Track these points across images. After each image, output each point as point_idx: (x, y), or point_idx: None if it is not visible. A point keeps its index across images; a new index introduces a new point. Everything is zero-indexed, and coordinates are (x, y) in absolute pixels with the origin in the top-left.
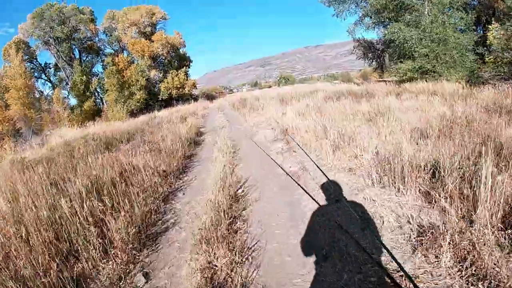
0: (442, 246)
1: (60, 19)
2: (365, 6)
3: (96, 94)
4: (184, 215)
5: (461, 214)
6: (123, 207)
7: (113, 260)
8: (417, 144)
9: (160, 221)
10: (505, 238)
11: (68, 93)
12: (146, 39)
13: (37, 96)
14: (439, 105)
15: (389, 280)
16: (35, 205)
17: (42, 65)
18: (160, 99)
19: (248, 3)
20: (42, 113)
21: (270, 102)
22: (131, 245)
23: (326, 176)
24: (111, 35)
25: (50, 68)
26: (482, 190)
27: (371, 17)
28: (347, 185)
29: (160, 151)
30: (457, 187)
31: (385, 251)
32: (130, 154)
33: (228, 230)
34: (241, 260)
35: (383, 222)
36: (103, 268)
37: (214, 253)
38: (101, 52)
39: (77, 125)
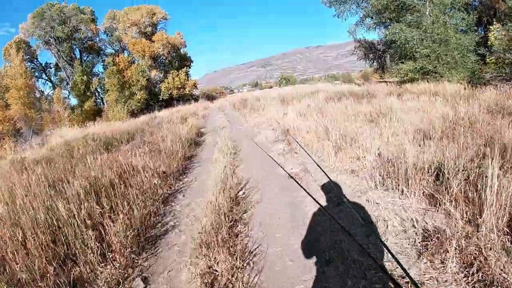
0: (448, 251)
1: (61, 19)
2: (366, 7)
3: (97, 94)
4: (184, 218)
5: (466, 217)
6: (122, 210)
7: (111, 264)
8: (420, 146)
9: (160, 224)
10: (511, 243)
11: (69, 93)
12: (146, 39)
13: (38, 96)
14: (441, 106)
15: (394, 287)
16: (32, 207)
17: (43, 65)
18: (161, 99)
19: (249, 3)
20: (43, 113)
21: (271, 102)
22: (129, 249)
23: (329, 178)
24: (111, 35)
25: (51, 68)
26: (488, 193)
27: (372, 18)
28: (349, 187)
29: (160, 151)
30: (462, 190)
31: (390, 256)
32: (129, 155)
33: (229, 234)
34: (242, 265)
35: (387, 225)
36: (101, 272)
37: (215, 258)
38: (101, 52)
39: (77, 125)
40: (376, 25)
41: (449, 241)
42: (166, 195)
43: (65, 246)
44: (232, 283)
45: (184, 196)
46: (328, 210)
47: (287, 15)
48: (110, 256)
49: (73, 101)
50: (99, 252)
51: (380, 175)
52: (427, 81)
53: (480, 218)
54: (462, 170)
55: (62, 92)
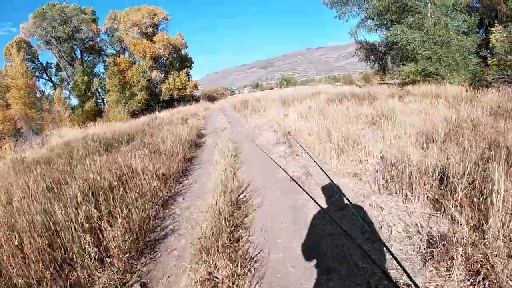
0: (454, 259)
1: (62, 19)
2: (367, 8)
3: (98, 94)
4: (183, 221)
5: (472, 223)
6: (120, 214)
7: (109, 269)
8: (422, 148)
9: (159, 228)
10: None
11: (69, 93)
12: (147, 40)
13: (38, 96)
14: (443, 109)
15: None
16: (29, 209)
17: (44, 64)
18: (162, 100)
19: (249, 3)
20: (43, 113)
21: (272, 104)
22: (128, 254)
23: (332, 182)
24: (112, 36)
25: (52, 68)
26: (494, 198)
27: (373, 19)
28: (352, 191)
29: (160, 153)
30: (468, 195)
31: (395, 262)
32: (129, 156)
33: (230, 239)
34: (243, 271)
35: (391, 231)
36: (99, 278)
37: (215, 264)
38: (102, 52)
39: (78, 126)
40: (377, 27)
41: (455, 248)
42: (166, 198)
43: (62, 250)
44: None
45: (184, 199)
46: (331, 214)
47: (288, 16)
48: (108, 261)
49: (74, 101)
50: (97, 257)
51: (383, 179)
52: (429, 83)
53: (486, 224)
54: (467, 174)
55: (62, 92)
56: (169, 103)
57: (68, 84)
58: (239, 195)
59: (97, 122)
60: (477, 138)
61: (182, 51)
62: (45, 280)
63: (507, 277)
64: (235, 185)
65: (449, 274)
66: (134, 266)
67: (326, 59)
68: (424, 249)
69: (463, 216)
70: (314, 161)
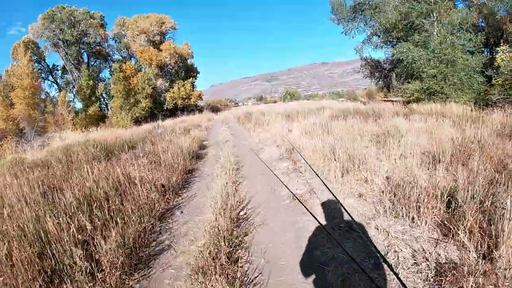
0: None
1: (71, 22)
2: (374, 25)
3: (102, 99)
4: (180, 237)
5: (481, 250)
6: (115, 226)
7: (101, 285)
8: (428, 169)
9: (155, 242)
10: None
11: (74, 96)
12: (154, 48)
13: (43, 97)
14: (448, 128)
15: None
16: (21, 215)
17: (50, 66)
18: (165, 108)
19: (256, 18)
20: (47, 114)
21: (276, 118)
22: (121, 269)
23: (337, 202)
24: (120, 42)
25: (58, 70)
26: (505, 225)
27: (379, 36)
28: (357, 213)
29: (160, 163)
30: (477, 220)
31: None
32: (129, 164)
33: (228, 259)
34: None
35: (398, 257)
36: None
37: (212, 286)
38: (109, 57)
39: (80, 129)
40: (383, 44)
41: (465, 278)
42: (163, 211)
43: (52, 261)
44: None
45: (182, 212)
46: (335, 236)
47: (294, 30)
48: (99, 276)
49: (78, 105)
50: (88, 271)
51: (390, 201)
52: (433, 102)
53: (496, 251)
54: (475, 198)
55: (67, 95)
56: (173, 112)
57: (73, 87)
58: (239, 212)
59: (100, 127)
60: (484, 160)
61: (188, 61)
62: None
63: None
64: (236, 201)
65: None
66: (127, 282)
67: (330, 74)
68: (432, 277)
69: (471, 243)
70: (321, 180)
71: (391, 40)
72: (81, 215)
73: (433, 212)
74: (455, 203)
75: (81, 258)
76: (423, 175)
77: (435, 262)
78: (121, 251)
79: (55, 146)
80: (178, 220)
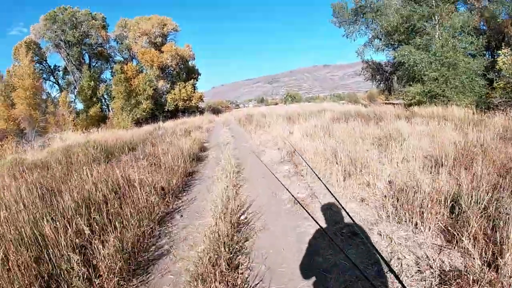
0: None
1: (72, 23)
2: (375, 28)
3: (103, 100)
4: (180, 242)
5: (485, 257)
6: (113, 231)
7: None
8: (431, 173)
9: (154, 246)
10: None
11: (75, 97)
12: (156, 50)
13: (44, 97)
14: (451, 131)
15: None
16: (18, 218)
17: (52, 67)
18: (166, 110)
19: (258, 19)
20: (48, 115)
21: (277, 120)
22: (118, 275)
23: (340, 206)
24: (121, 43)
25: (59, 71)
26: (510, 232)
27: (381, 39)
28: (360, 218)
29: (160, 165)
30: (482, 227)
31: None
32: (129, 166)
33: (228, 265)
34: None
35: (401, 264)
36: None
37: None
38: (110, 59)
39: (81, 130)
40: (384, 47)
41: (470, 287)
42: (163, 214)
43: (50, 266)
44: None
45: (182, 216)
46: (337, 242)
47: (297, 32)
48: (97, 282)
49: (79, 105)
50: (85, 276)
51: (392, 206)
52: (435, 105)
53: (501, 258)
54: (479, 203)
55: (68, 96)
56: (174, 114)
57: (75, 88)
58: (240, 216)
59: (101, 128)
60: (487, 164)
61: (190, 63)
62: None
63: None
64: (236, 205)
65: None
66: None
67: (331, 77)
68: (436, 285)
69: (476, 250)
70: (324, 185)
71: (392, 43)
72: (79, 218)
73: (436, 217)
74: (459, 208)
75: (79, 263)
76: (426, 179)
77: (439, 270)
78: (119, 256)
79: (55, 146)
80: (177, 224)
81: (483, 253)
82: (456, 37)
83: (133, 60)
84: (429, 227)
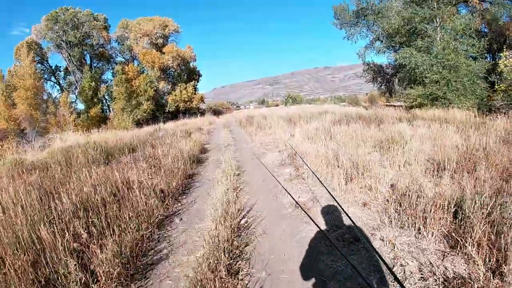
0: None
1: (74, 24)
2: (376, 30)
3: (104, 101)
4: (179, 246)
5: (489, 264)
6: (112, 235)
7: None
8: (433, 176)
9: (153, 251)
10: None
11: (76, 97)
12: (157, 51)
13: (45, 98)
14: (452, 134)
15: None
16: (16, 221)
17: (53, 67)
18: (167, 111)
19: (260, 20)
20: (48, 115)
21: (278, 122)
22: (116, 280)
23: (342, 211)
24: (123, 44)
25: (60, 71)
26: None
27: (382, 41)
28: (362, 222)
29: (160, 168)
30: (486, 233)
31: None
32: (128, 168)
33: (228, 271)
34: None
35: (404, 271)
36: None
37: None
38: (112, 60)
39: (82, 131)
40: (386, 49)
41: None
42: (162, 218)
43: (47, 270)
44: None
45: (181, 220)
46: (340, 248)
47: (298, 34)
48: (94, 287)
49: (80, 106)
50: (82, 281)
51: (395, 211)
52: (436, 107)
53: (506, 265)
54: (483, 208)
55: (69, 96)
56: (175, 115)
57: (76, 88)
58: (240, 220)
59: (102, 128)
60: (490, 168)
61: (191, 64)
62: None
63: None
64: (237, 208)
65: None
66: None
67: (332, 78)
68: None
69: (480, 256)
70: (326, 189)
71: (393, 45)
72: (77, 222)
73: (439, 223)
74: (462, 213)
75: (76, 268)
76: (428, 183)
77: (442, 277)
78: (117, 261)
79: (55, 147)
80: (177, 228)
81: (487, 260)
82: (458, 39)
83: (134, 61)
84: (432, 232)
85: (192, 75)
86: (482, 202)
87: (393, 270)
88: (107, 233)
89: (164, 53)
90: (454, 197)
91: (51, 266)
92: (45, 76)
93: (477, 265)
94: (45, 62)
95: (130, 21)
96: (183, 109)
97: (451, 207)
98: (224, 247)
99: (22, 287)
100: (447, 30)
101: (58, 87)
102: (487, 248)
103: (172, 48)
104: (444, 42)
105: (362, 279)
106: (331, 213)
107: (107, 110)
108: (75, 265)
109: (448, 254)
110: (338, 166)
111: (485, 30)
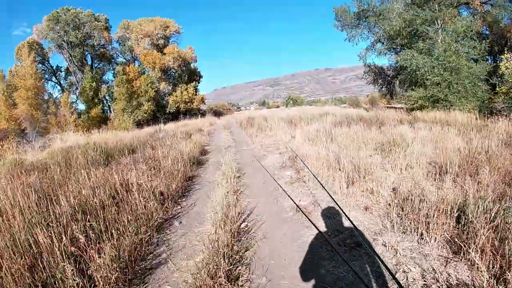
0: None
1: (75, 24)
2: (377, 32)
3: (105, 101)
4: (178, 250)
5: (493, 271)
6: (110, 239)
7: None
8: (435, 180)
9: (152, 255)
10: None
11: (77, 98)
12: (158, 51)
13: (46, 98)
14: (454, 137)
15: None
16: (13, 225)
17: (54, 67)
18: (168, 112)
19: (260, 20)
20: (49, 115)
21: (279, 123)
22: (114, 286)
23: (344, 215)
24: (124, 45)
25: (61, 72)
26: None
27: (383, 43)
28: (363, 227)
29: (160, 170)
30: (490, 238)
31: None
32: (128, 170)
33: (228, 277)
34: None
35: (407, 277)
36: None
37: None
38: (113, 60)
39: (82, 131)
40: (387, 51)
41: None
42: (161, 221)
43: (44, 275)
44: None
45: (181, 223)
46: (341, 253)
47: (299, 35)
48: None
49: (81, 106)
50: (80, 286)
51: (398, 216)
52: (437, 109)
53: (509, 272)
54: (486, 213)
55: (70, 97)
56: (175, 116)
57: (77, 89)
58: (240, 224)
59: (102, 129)
60: (492, 172)
61: (192, 65)
62: None
63: None
64: (237, 212)
65: None
66: None
67: (333, 80)
68: None
69: (484, 263)
70: (327, 192)
71: (395, 47)
72: (75, 226)
73: (442, 228)
74: (465, 218)
75: (73, 272)
76: (430, 187)
77: (445, 284)
78: (115, 265)
79: (55, 147)
80: (176, 231)
81: (491, 266)
82: (459, 41)
83: (135, 61)
84: (435, 237)
85: (193, 76)
86: (485, 207)
87: (396, 276)
88: (105, 237)
89: (165, 54)
90: (457, 202)
91: (48, 270)
92: (46, 76)
93: (481, 271)
94: (46, 62)
95: (131, 22)
96: (184, 110)
97: (454, 211)
98: (224, 252)
99: None
100: (448, 32)
101: (59, 87)
102: (491, 254)
103: (173, 49)
104: (446, 44)
105: (365, 286)
106: (332, 217)
107: (108, 111)
108: (72, 270)
109: (451, 260)
110: (340, 169)
111: (486, 32)
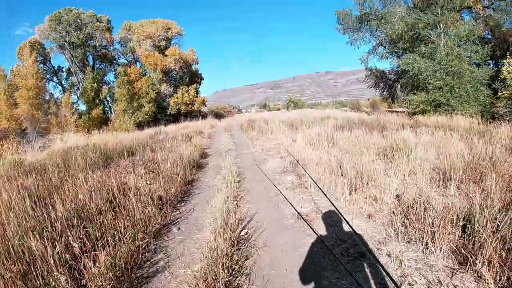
0: None
1: (77, 25)
2: (379, 36)
3: (105, 102)
4: (176, 258)
5: (501, 283)
6: (106, 246)
7: None
8: (439, 186)
9: (149, 262)
10: None
11: (78, 98)
12: (159, 53)
13: (47, 98)
14: (457, 142)
15: None
16: (6, 230)
17: (55, 68)
18: (168, 113)
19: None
20: (50, 115)
21: (280, 126)
22: None
23: (347, 224)
24: (125, 46)
25: (63, 72)
26: None
27: (385, 47)
28: (367, 236)
29: (159, 173)
30: (497, 249)
31: None
32: (126, 173)
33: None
34: None
35: None
36: None
37: None
38: (114, 61)
39: (83, 132)
40: (389, 54)
41: None
42: (159, 227)
43: (38, 283)
44: None
45: (179, 229)
46: (344, 263)
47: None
48: None
49: (82, 107)
50: None
51: (402, 225)
52: (439, 114)
53: None
54: (492, 222)
55: (71, 97)
56: (176, 117)
57: (78, 89)
58: (240, 232)
59: (103, 130)
60: (497, 179)
61: (193, 67)
62: None
63: None
64: (237, 218)
65: None
66: None
67: (334, 83)
68: None
69: (490, 274)
70: (329, 200)
71: (396, 50)
72: (69, 233)
73: (448, 238)
74: (471, 227)
75: (67, 282)
76: (435, 194)
77: None
78: (111, 274)
79: (55, 148)
80: (174, 238)
81: (498, 278)
82: (461, 45)
83: (137, 63)
84: (441, 248)
85: (194, 78)
86: (491, 216)
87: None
88: (100, 244)
89: (166, 55)
90: (463, 211)
91: (41, 279)
92: (47, 76)
93: (488, 283)
94: (48, 62)
95: (133, 23)
96: (185, 111)
97: (459, 221)
98: (223, 263)
99: None
100: (450, 36)
101: (60, 87)
102: (498, 265)
103: (175, 51)
104: (448, 48)
105: None
106: (334, 225)
107: (109, 112)
108: (65, 279)
109: (457, 271)
110: (342, 175)
111: (489, 36)
